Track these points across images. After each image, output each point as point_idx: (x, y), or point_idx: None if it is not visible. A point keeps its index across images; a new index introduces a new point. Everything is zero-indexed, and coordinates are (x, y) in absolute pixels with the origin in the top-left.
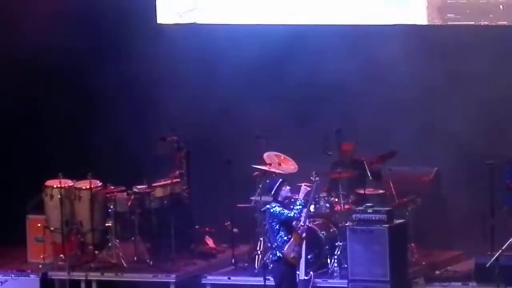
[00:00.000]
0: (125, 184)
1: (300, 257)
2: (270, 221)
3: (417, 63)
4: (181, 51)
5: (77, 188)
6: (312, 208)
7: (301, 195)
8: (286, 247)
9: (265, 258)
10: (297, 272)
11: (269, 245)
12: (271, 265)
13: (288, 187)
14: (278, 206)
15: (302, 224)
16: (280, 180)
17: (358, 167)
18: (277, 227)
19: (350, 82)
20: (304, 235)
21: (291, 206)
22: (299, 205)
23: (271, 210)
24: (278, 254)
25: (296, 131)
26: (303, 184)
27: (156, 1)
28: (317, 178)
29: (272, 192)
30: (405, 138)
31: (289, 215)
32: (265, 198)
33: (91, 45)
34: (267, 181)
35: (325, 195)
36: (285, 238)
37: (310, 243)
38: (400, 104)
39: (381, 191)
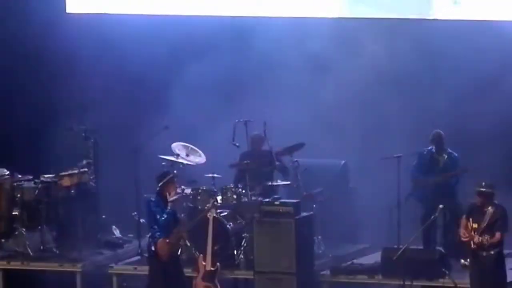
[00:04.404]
0: (33, 173)
1: (172, 254)
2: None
3: (328, 56)
4: (90, 40)
5: None
6: (219, 199)
7: (170, 199)
8: (160, 241)
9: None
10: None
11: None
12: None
13: (176, 186)
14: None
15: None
16: (171, 175)
17: (266, 158)
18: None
19: (259, 75)
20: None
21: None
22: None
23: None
24: (152, 248)
25: (205, 121)
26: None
27: None
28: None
29: (160, 184)
30: (312, 130)
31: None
32: None
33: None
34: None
35: (232, 186)
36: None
37: (217, 234)
38: (308, 96)
39: (288, 183)
